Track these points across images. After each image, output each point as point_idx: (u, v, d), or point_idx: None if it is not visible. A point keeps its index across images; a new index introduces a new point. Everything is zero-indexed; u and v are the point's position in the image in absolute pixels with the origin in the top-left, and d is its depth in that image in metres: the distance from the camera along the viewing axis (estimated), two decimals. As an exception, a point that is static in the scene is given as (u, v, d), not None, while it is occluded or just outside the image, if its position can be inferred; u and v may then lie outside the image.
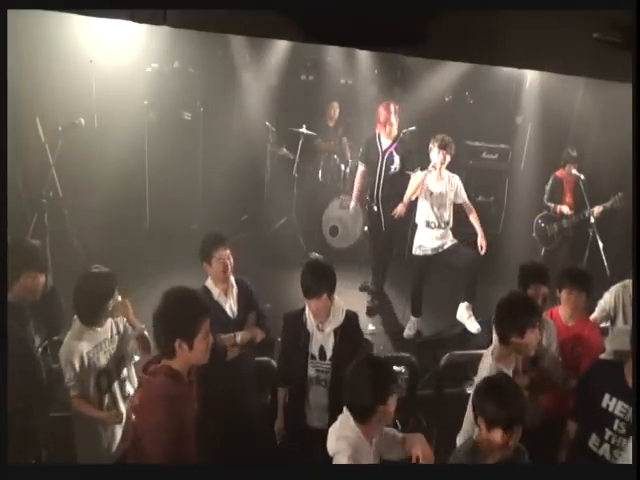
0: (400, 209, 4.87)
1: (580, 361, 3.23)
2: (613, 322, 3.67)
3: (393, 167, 4.95)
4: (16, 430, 2.46)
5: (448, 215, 4.70)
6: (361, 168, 5.31)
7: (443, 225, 4.68)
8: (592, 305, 3.66)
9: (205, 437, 2.62)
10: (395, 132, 4.93)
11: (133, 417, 2.33)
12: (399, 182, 4.96)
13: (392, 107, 4.85)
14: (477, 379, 2.77)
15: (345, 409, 2.25)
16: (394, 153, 4.93)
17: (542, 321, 3.19)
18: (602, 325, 3.73)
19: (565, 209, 5.59)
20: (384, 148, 4.96)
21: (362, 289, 5.60)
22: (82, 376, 2.74)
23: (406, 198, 4.84)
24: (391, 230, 5.13)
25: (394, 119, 4.86)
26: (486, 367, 2.74)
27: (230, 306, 3.16)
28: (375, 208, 5.13)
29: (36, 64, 5.26)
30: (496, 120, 6.93)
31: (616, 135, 5.45)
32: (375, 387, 2.15)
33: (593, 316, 3.69)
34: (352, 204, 5.51)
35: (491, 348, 2.80)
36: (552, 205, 5.69)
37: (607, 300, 3.68)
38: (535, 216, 5.91)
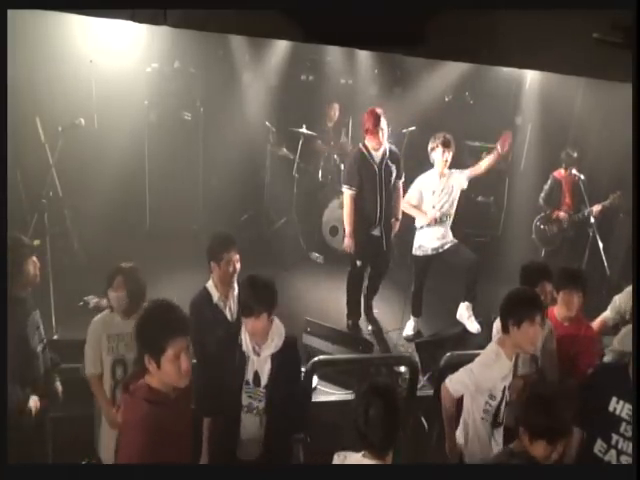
0: (396, 225, 4.86)
1: (576, 361, 3.25)
2: (625, 321, 3.66)
3: (392, 178, 4.63)
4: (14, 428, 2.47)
5: (449, 207, 4.67)
6: (349, 192, 4.57)
7: (445, 218, 4.67)
8: (587, 305, 3.67)
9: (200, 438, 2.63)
10: (385, 140, 4.52)
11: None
12: (396, 195, 4.76)
13: (377, 111, 4.41)
14: (478, 360, 2.80)
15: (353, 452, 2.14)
16: (390, 163, 4.59)
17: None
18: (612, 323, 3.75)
19: (554, 228, 5.61)
20: (377, 161, 4.53)
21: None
22: (97, 355, 2.88)
23: (399, 212, 4.80)
24: (390, 250, 4.92)
25: (383, 123, 4.42)
26: (490, 349, 2.81)
27: (230, 309, 3.15)
28: (377, 232, 4.65)
29: (36, 64, 5.27)
30: (496, 120, 6.94)
31: (616, 135, 5.45)
32: (393, 418, 2.06)
33: (605, 315, 3.70)
34: (347, 242, 4.65)
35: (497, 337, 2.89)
36: (547, 211, 5.71)
37: (624, 300, 3.67)
38: (535, 217, 5.92)
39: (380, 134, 4.43)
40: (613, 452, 2.60)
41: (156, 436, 1.97)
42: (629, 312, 3.55)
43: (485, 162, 4.69)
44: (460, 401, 2.86)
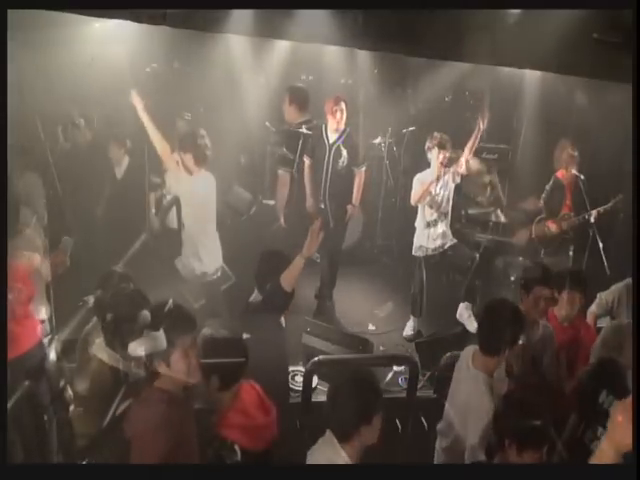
0: (352, 211, 5.00)
1: (576, 361, 3.25)
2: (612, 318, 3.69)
3: (341, 161, 4.88)
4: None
5: (446, 205, 4.69)
6: (308, 162, 5.12)
7: (443, 217, 4.67)
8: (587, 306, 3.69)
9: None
10: (343, 125, 4.86)
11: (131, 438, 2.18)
12: (346, 178, 4.95)
13: (339, 95, 4.87)
14: (453, 384, 2.75)
15: (328, 431, 2.19)
16: (342, 147, 4.86)
17: (539, 325, 3.20)
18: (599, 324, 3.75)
19: (554, 229, 5.62)
20: (331, 142, 4.89)
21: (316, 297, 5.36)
22: None
23: (356, 199, 4.96)
24: (338, 229, 5.08)
25: (343, 106, 4.78)
26: (472, 383, 2.67)
27: None
28: (322, 205, 5.02)
29: (36, 64, 5.26)
30: (496, 120, 6.93)
31: (616, 135, 5.44)
32: (359, 407, 2.09)
33: (592, 311, 3.71)
34: (310, 202, 5.09)
35: (471, 350, 2.77)
36: (546, 213, 5.71)
37: (608, 295, 3.76)
38: (535, 217, 5.90)
39: (338, 115, 4.78)
40: (597, 444, 2.60)
41: (173, 437, 2.02)
42: (612, 304, 3.76)
43: (468, 145, 4.73)
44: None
